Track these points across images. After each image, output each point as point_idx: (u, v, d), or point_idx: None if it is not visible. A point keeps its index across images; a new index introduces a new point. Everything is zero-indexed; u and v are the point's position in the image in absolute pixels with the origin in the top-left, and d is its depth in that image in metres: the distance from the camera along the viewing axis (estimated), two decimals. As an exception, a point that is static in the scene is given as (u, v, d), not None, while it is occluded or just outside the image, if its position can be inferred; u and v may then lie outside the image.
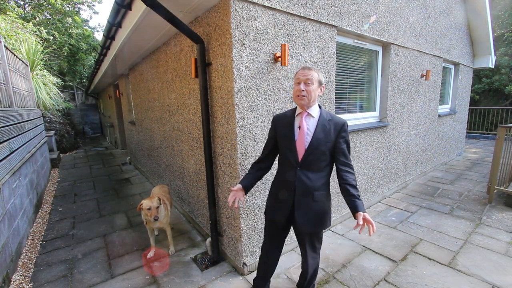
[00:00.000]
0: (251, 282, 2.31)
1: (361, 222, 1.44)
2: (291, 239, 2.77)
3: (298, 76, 1.61)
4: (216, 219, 2.65)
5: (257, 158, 2.33)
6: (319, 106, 1.70)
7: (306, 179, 1.65)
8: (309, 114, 1.65)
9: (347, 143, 1.65)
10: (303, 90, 1.57)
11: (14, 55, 4.64)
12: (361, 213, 1.47)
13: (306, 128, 1.64)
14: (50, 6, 12.19)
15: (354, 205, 1.53)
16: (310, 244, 1.83)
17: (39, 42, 8.35)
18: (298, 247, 2.81)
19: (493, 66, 6.65)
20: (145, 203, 2.57)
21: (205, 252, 2.83)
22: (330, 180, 1.76)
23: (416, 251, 2.71)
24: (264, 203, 2.47)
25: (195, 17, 2.52)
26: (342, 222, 3.39)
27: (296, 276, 2.36)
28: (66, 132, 9.63)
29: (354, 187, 1.59)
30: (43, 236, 3.33)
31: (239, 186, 1.77)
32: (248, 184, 1.80)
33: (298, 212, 1.69)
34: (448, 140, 5.98)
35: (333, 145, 1.63)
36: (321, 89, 1.64)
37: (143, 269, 2.57)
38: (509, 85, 9.98)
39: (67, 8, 13.32)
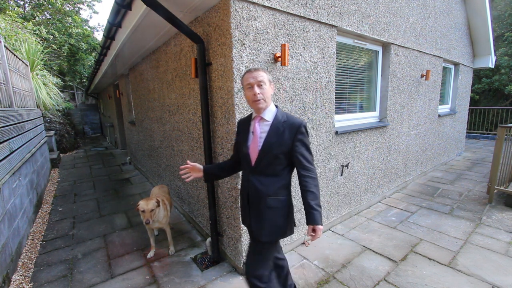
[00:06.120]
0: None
1: (311, 234, 1.46)
2: (291, 239, 2.77)
3: (248, 80, 1.50)
4: (216, 219, 2.65)
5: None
6: (276, 107, 1.61)
7: (258, 184, 1.57)
8: (262, 118, 1.57)
9: (305, 145, 1.53)
10: (259, 94, 1.48)
11: (14, 55, 4.64)
12: (313, 226, 1.45)
13: (258, 133, 1.56)
14: (50, 6, 12.19)
15: (309, 217, 1.47)
16: (258, 252, 1.66)
17: (39, 42, 8.35)
18: (299, 247, 2.83)
19: (493, 66, 6.65)
20: (141, 204, 2.54)
21: (205, 252, 2.83)
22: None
23: (416, 251, 2.71)
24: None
25: (195, 17, 2.52)
26: (342, 222, 3.39)
27: (296, 276, 2.36)
28: (66, 132, 9.63)
29: (313, 193, 1.48)
30: (43, 236, 3.32)
31: (199, 166, 1.76)
32: (208, 168, 1.79)
33: (252, 218, 1.63)
34: (448, 140, 5.98)
35: (289, 149, 1.52)
36: (272, 88, 1.57)
37: (143, 269, 2.57)
38: (509, 85, 9.98)
39: (67, 8, 13.32)
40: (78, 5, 14.08)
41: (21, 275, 2.53)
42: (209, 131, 2.49)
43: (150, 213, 2.52)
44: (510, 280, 2.23)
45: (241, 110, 2.17)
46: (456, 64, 5.97)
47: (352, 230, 3.17)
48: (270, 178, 1.57)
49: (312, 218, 1.45)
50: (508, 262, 2.47)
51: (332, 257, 2.64)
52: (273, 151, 1.52)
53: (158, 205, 2.65)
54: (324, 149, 2.97)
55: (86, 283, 2.40)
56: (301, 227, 2.85)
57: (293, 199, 2.65)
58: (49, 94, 7.76)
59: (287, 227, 1.64)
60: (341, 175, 3.25)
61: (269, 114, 1.57)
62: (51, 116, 9.19)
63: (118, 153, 8.94)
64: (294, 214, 2.73)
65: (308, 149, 1.55)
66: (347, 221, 3.42)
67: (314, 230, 1.46)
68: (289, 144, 1.52)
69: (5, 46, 3.90)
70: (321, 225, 1.46)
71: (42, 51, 7.64)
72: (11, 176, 2.97)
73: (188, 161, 1.77)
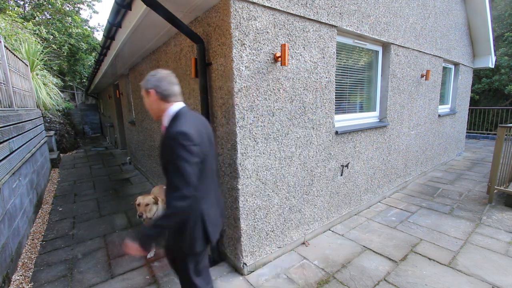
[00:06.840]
0: (251, 282, 2.32)
1: (125, 250, 1.33)
2: (291, 239, 2.77)
3: None
4: (216, 219, 2.65)
5: (257, 158, 2.35)
6: (178, 112, 1.41)
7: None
8: (164, 126, 1.45)
9: (172, 163, 1.25)
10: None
11: (14, 55, 4.64)
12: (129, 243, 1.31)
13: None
14: (50, 6, 12.19)
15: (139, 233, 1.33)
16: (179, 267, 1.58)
17: (39, 42, 8.36)
18: (299, 247, 2.83)
19: (493, 66, 6.65)
20: (138, 199, 2.57)
21: (205, 252, 2.83)
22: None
23: (416, 251, 2.71)
24: (264, 203, 2.47)
25: (195, 17, 2.52)
26: (342, 222, 3.39)
27: (296, 276, 2.36)
28: (66, 132, 9.63)
29: (163, 218, 1.28)
30: (43, 236, 3.32)
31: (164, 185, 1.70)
32: None
33: None
34: (448, 140, 5.98)
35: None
36: (150, 95, 1.42)
37: (143, 269, 2.57)
38: (509, 85, 9.98)
39: (67, 8, 13.33)
40: (78, 5, 14.08)
41: (21, 275, 2.53)
42: (209, 131, 2.49)
43: (144, 207, 2.52)
44: (510, 280, 2.23)
45: (241, 110, 2.17)
46: (456, 64, 5.97)
47: (352, 230, 3.17)
48: (167, 187, 1.41)
49: (137, 236, 1.31)
50: (508, 262, 2.47)
51: (332, 257, 2.64)
52: (162, 162, 1.40)
53: (156, 203, 2.64)
54: (324, 149, 2.97)
55: (86, 283, 2.40)
56: (300, 226, 2.85)
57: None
58: (49, 94, 7.76)
59: (182, 244, 1.42)
60: (341, 175, 3.25)
61: (165, 119, 1.43)
62: (51, 116, 9.19)
63: (118, 153, 8.94)
64: (294, 214, 2.74)
65: (177, 169, 1.24)
66: (347, 221, 3.42)
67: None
68: (166, 156, 1.32)
69: (5, 46, 3.90)
70: (137, 245, 1.28)
71: (42, 51, 7.64)
72: (11, 176, 2.97)
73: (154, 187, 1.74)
